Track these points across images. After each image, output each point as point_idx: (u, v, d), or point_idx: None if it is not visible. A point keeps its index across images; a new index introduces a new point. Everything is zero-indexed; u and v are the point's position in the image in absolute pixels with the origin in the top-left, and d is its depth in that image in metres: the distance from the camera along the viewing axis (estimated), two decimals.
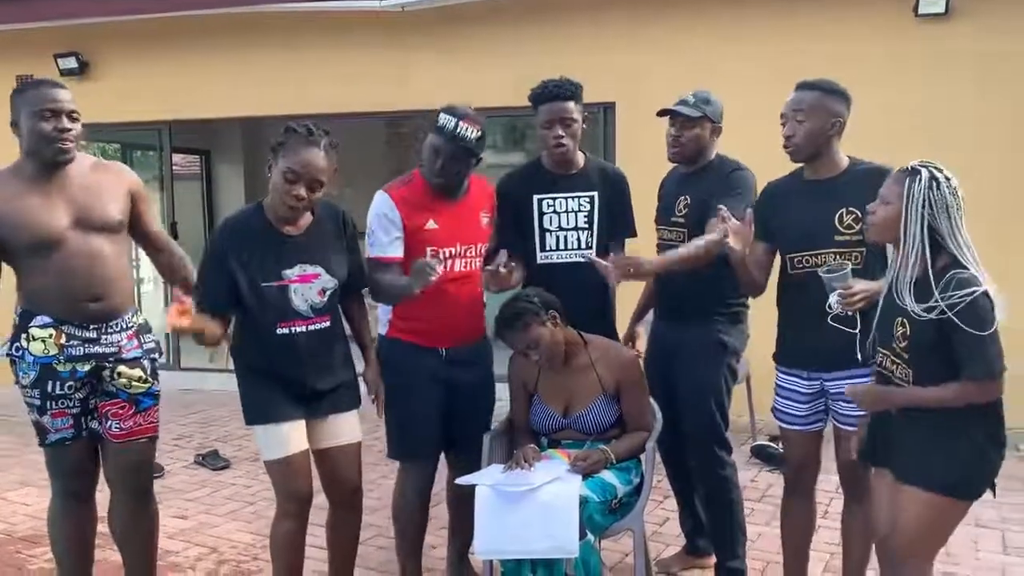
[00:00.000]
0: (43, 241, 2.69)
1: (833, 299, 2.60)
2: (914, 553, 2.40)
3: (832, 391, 2.83)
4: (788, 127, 2.81)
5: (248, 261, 2.73)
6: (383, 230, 3.01)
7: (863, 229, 2.63)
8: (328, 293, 2.83)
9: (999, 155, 5.32)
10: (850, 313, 2.64)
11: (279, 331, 2.76)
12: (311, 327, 2.80)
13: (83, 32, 7.19)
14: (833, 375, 2.81)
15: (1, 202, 2.69)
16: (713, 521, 3.35)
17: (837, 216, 2.76)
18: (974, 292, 2.20)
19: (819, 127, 2.76)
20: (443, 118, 2.96)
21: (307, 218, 2.84)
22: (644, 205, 3.43)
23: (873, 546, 2.92)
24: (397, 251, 3.01)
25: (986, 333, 2.21)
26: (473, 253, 3.12)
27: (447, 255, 3.04)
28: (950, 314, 2.21)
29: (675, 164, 3.32)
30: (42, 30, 7.16)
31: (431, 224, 3.02)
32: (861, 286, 2.57)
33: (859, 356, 2.69)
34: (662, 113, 3.22)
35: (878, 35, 5.62)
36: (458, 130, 2.93)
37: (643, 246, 3.36)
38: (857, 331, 2.71)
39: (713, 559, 3.40)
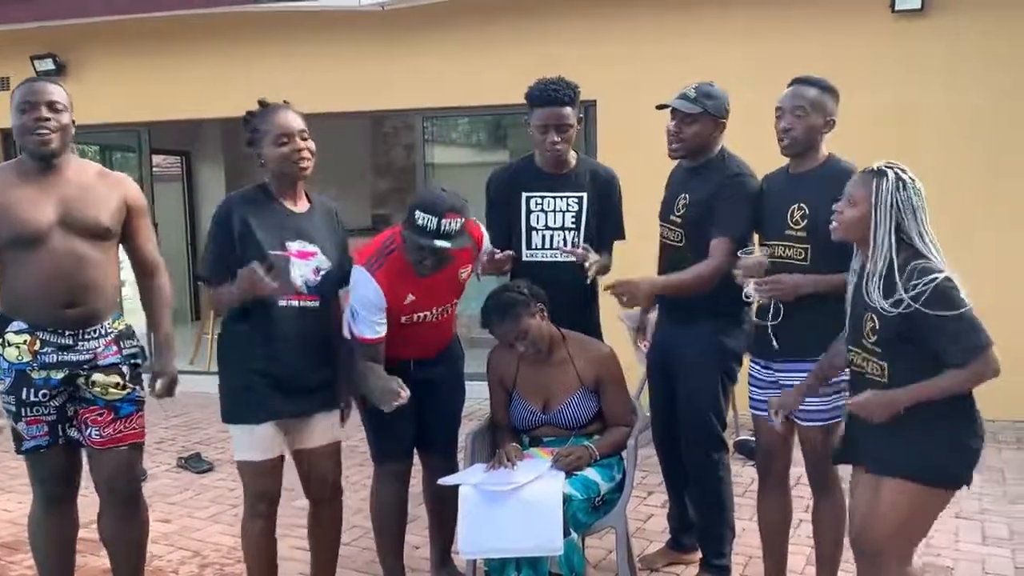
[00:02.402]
0: (25, 235, 2.66)
1: (750, 287, 2.67)
2: (890, 544, 2.40)
3: (782, 382, 2.87)
4: (787, 120, 2.80)
5: (256, 228, 2.72)
6: (367, 311, 2.88)
7: (811, 226, 2.72)
8: (322, 274, 2.83)
9: (973, 152, 5.37)
10: (761, 301, 2.73)
11: (280, 303, 2.74)
12: (303, 303, 2.79)
13: (60, 33, 7.14)
14: (783, 366, 2.86)
15: None
16: (704, 520, 3.32)
17: (790, 211, 2.81)
18: (935, 278, 2.23)
19: (817, 124, 2.78)
20: (421, 218, 2.73)
21: (305, 201, 2.88)
22: (626, 204, 3.42)
23: (847, 541, 2.97)
24: (382, 330, 2.92)
25: (960, 311, 2.22)
26: (448, 309, 3.09)
27: (420, 318, 3.01)
28: (916, 305, 2.23)
29: (671, 157, 3.22)
30: (18, 32, 7.10)
31: (410, 298, 2.96)
32: (786, 279, 2.68)
33: (775, 346, 2.82)
34: (661, 107, 3.13)
35: (854, 31, 5.66)
36: (441, 228, 2.72)
37: (632, 246, 3.38)
38: (769, 323, 2.81)
39: (696, 555, 3.42)
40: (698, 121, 3.04)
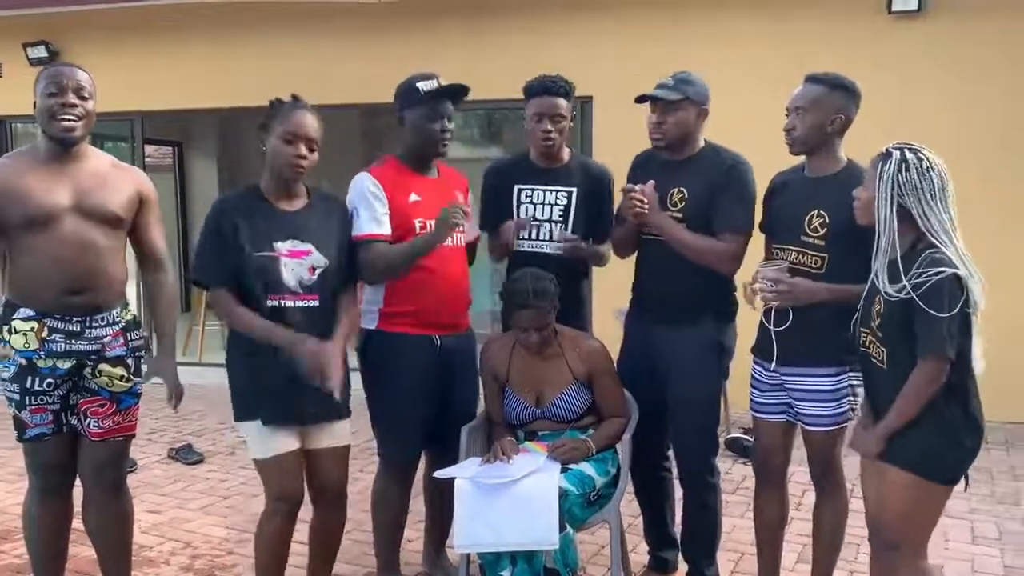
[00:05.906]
0: (38, 217, 2.65)
1: (762, 285, 2.69)
2: (901, 538, 2.42)
3: (787, 385, 2.86)
4: (789, 119, 2.80)
5: (241, 230, 2.71)
6: (368, 207, 2.95)
7: (831, 235, 2.71)
8: (319, 272, 2.78)
9: (970, 153, 5.38)
10: (763, 296, 2.72)
11: (269, 303, 2.71)
12: (299, 303, 2.74)
13: (53, 21, 7.09)
14: (788, 371, 2.84)
15: (7, 175, 2.69)
16: (693, 524, 3.25)
17: (807, 218, 2.77)
18: (941, 273, 2.22)
19: (819, 122, 2.74)
20: (423, 85, 3.05)
21: (303, 199, 2.85)
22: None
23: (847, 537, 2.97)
24: (385, 228, 2.95)
25: (942, 315, 2.20)
26: (459, 237, 3.10)
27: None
28: (912, 294, 2.24)
29: (654, 151, 3.15)
30: (11, 19, 7.05)
31: (414, 197, 3.01)
32: (802, 285, 2.67)
33: (775, 352, 2.80)
34: (640, 99, 3.08)
35: (851, 32, 5.67)
36: (441, 81, 3.06)
37: None
38: (772, 328, 2.80)
39: (680, 573, 3.36)
40: (680, 108, 2.99)
